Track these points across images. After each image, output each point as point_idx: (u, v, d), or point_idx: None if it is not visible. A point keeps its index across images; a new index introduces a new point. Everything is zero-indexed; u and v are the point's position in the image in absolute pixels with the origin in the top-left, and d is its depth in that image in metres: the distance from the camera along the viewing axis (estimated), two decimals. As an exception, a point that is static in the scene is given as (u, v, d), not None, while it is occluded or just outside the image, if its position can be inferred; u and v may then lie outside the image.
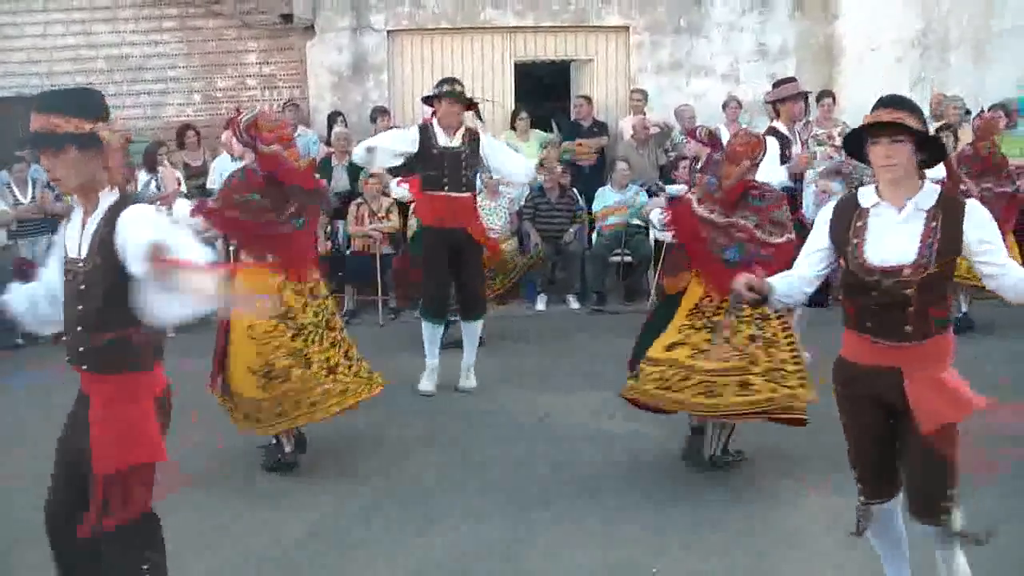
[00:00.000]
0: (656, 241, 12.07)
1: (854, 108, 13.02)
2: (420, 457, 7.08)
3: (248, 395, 6.49)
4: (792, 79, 9.55)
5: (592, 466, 6.85)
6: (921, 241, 4.11)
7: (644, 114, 13.20)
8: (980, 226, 4.12)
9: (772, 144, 8.58)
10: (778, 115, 9.17)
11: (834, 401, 4.52)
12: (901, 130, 4.07)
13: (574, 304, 12.19)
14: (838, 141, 12.63)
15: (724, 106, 12.85)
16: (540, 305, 12.13)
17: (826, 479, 6.43)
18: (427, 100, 8.54)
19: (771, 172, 8.55)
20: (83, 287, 3.81)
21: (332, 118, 13.12)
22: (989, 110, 11.64)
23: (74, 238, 3.90)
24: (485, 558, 5.50)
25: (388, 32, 13.98)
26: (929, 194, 4.18)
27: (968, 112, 12.34)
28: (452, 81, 8.43)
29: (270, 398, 6.44)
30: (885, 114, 4.12)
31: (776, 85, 9.39)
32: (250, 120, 6.48)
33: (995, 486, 6.14)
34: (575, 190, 12.58)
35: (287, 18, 13.78)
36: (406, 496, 6.37)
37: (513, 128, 13.34)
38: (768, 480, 6.51)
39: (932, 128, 11.62)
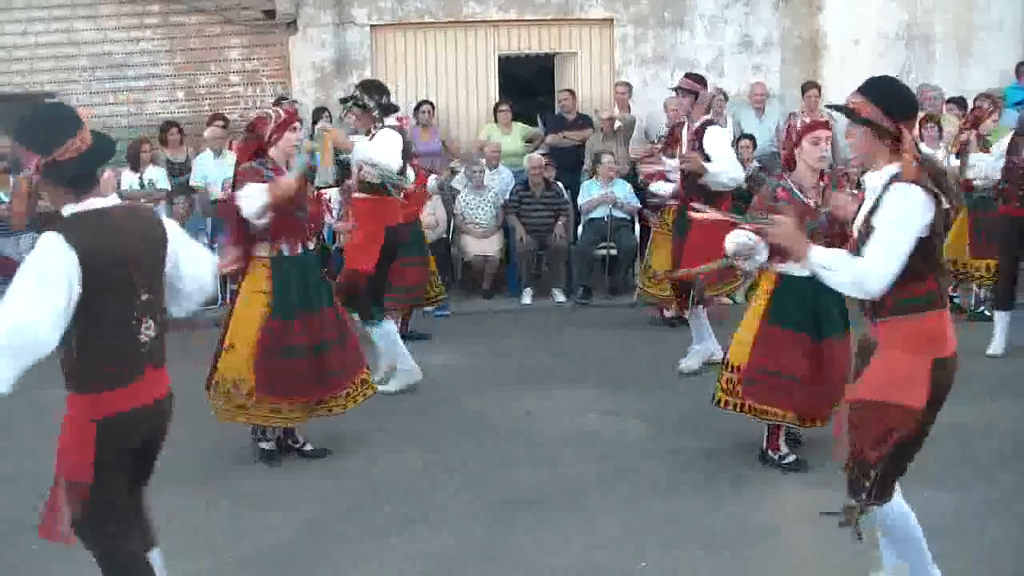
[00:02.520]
0: (642, 234, 12.08)
1: (839, 100, 13.00)
2: (402, 457, 7.06)
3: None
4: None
5: (574, 465, 6.83)
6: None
7: (628, 108, 13.16)
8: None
9: (718, 133, 8.65)
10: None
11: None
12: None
13: (559, 298, 12.17)
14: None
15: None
16: (526, 299, 12.11)
17: (808, 477, 6.45)
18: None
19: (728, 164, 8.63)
20: None
21: (317, 114, 13.05)
22: (975, 101, 11.65)
23: None
24: (467, 558, 5.49)
25: (371, 27, 13.90)
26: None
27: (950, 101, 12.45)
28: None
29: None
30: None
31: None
32: None
33: (983, 479, 6.18)
34: (560, 184, 12.56)
35: (269, 14, 13.70)
36: (387, 496, 6.35)
37: (495, 120, 13.33)
38: (748, 477, 6.52)
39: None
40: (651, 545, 5.57)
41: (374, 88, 8.34)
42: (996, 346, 9.06)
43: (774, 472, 6.54)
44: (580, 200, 12.38)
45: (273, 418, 6.76)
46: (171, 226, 4.20)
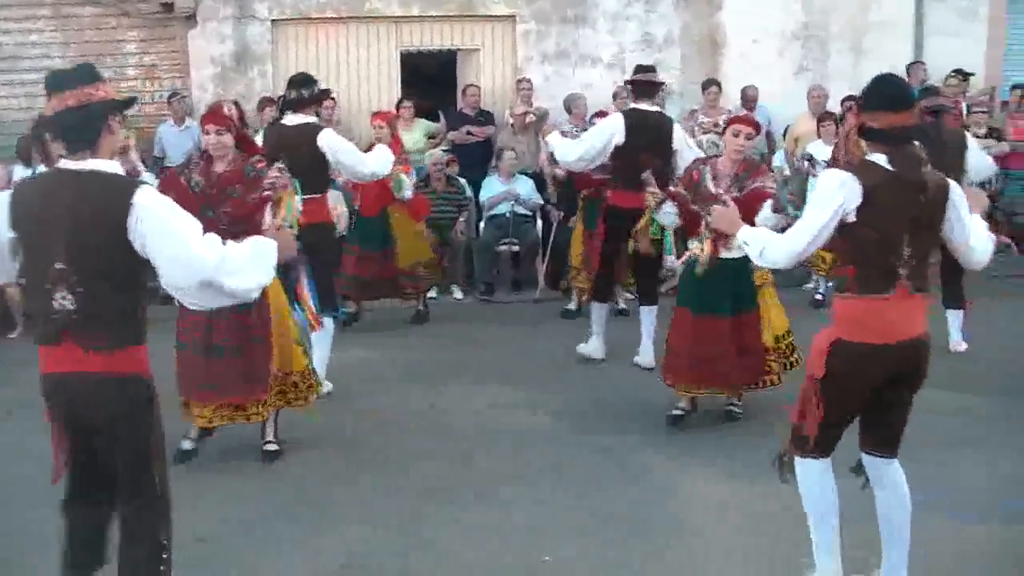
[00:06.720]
0: (545, 229, 12.12)
1: (739, 97, 13.24)
2: (310, 455, 6.97)
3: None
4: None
5: (485, 460, 6.86)
6: None
7: (531, 103, 13.16)
8: None
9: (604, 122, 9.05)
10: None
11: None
12: None
13: (458, 294, 12.16)
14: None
15: (615, 96, 12.80)
16: (429, 294, 12.03)
17: (714, 467, 6.55)
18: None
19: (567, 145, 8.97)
20: None
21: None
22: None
23: None
24: (381, 552, 5.49)
25: (272, 22, 13.75)
26: None
27: (851, 98, 12.66)
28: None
29: None
30: None
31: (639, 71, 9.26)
32: None
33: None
34: (462, 180, 12.53)
35: (168, 7, 13.45)
36: (297, 496, 6.30)
37: (397, 116, 13.25)
38: (655, 468, 6.61)
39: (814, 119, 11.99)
40: (564, 540, 5.59)
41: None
42: None
43: (682, 462, 6.65)
44: (482, 196, 12.37)
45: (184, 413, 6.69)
46: (151, 206, 3.86)
